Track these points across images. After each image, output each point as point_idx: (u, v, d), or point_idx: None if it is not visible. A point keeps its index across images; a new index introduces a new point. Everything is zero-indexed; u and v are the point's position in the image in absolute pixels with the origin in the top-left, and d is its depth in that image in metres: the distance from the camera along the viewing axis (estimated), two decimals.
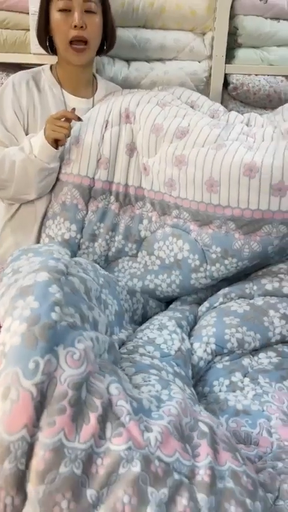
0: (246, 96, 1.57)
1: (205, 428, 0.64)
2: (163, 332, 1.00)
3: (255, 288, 1.20)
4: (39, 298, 0.63)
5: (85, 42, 1.22)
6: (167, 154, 1.20)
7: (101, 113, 1.28)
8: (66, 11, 1.19)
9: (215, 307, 1.18)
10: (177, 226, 1.24)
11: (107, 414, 0.57)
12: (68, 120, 1.17)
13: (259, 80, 1.55)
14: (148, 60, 1.53)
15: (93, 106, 1.34)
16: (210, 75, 1.56)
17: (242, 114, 1.42)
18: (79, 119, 1.20)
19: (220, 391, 0.94)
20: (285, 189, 1.08)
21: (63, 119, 1.16)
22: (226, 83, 1.57)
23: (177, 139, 1.20)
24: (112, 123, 1.27)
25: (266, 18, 1.52)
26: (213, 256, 1.18)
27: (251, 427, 0.82)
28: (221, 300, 1.18)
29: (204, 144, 1.17)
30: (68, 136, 1.19)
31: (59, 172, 1.29)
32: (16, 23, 1.45)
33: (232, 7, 1.49)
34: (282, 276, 1.22)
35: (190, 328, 1.12)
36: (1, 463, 0.50)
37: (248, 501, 0.56)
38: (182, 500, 0.53)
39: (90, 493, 0.52)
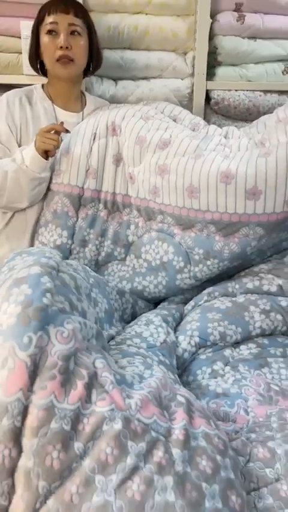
0: (227, 110, 1.70)
1: (182, 400, 0.73)
2: (150, 327, 1.10)
3: (237, 286, 1.29)
4: (32, 286, 0.73)
5: (71, 60, 1.34)
6: (150, 164, 1.32)
7: (89, 126, 1.40)
8: (53, 33, 1.32)
9: (200, 305, 1.27)
10: (162, 231, 1.34)
11: (93, 383, 0.66)
12: (57, 132, 1.28)
13: (239, 95, 1.68)
14: (134, 79, 1.66)
15: (82, 120, 1.46)
16: (192, 92, 1.68)
17: (223, 127, 1.56)
18: (67, 131, 1.31)
19: (203, 378, 1.03)
20: (259, 193, 1.18)
21: (52, 132, 1.27)
22: (208, 98, 1.70)
23: (159, 150, 1.32)
24: (99, 136, 1.39)
25: (243, 37, 1.66)
26: (196, 257, 1.29)
27: (229, 407, 0.91)
28: (205, 298, 1.28)
29: (185, 154, 1.29)
30: (58, 148, 1.30)
31: (50, 183, 1.40)
32: (9, 47, 1.58)
33: (211, 28, 1.63)
34: (262, 275, 1.32)
35: (176, 324, 1.21)
36: (0, 420, 0.59)
37: (218, 457, 0.65)
38: (158, 453, 0.62)
39: (77, 446, 0.61)
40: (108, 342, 1.03)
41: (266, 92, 1.70)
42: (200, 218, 1.26)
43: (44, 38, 1.34)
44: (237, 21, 1.63)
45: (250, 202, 1.20)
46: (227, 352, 1.11)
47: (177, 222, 1.31)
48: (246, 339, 1.17)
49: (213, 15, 1.62)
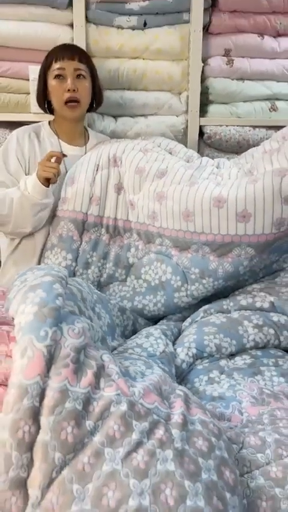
0: (219, 144, 1.87)
1: (180, 393, 0.83)
2: (149, 338, 1.20)
3: (231, 304, 1.40)
4: (46, 291, 0.84)
5: (77, 101, 1.51)
6: (149, 191, 1.46)
7: (92, 158, 1.56)
8: (60, 77, 1.50)
9: (197, 321, 1.37)
10: (160, 253, 1.47)
11: (101, 372, 0.76)
12: (58, 161, 1.42)
13: (229, 130, 1.86)
14: (133, 116, 1.85)
15: (85, 153, 1.61)
16: (187, 127, 1.87)
17: (215, 159, 1.73)
18: (64, 155, 1.45)
19: (200, 385, 1.12)
20: (249, 216, 1.32)
21: (53, 159, 1.41)
22: (201, 133, 1.88)
23: (157, 179, 1.47)
24: (102, 167, 1.54)
25: (232, 79, 1.86)
26: (193, 276, 1.40)
27: (225, 408, 1.00)
28: (201, 315, 1.39)
29: (180, 182, 1.43)
30: (58, 175, 1.43)
31: (56, 209, 1.53)
32: (18, 88, 1.77)
33: (203, 71, 1.84)
34: (255, 293, 1.43)
35: (174, 338, 1.31)
36: (21, 400, 0.69)
37: (213, 439, 0.74)
38: (160, 431, 0.71)
39: (88, 423, 0.70)
40: (111, 351, 1.12)
41: (254, 127, 1.88)
42: (196, 240, 1.39)
43: (52, 82, 1.51)
44: (227, 64, 1.83)
45: (241, 224, 1.33)
46: (223, 362, 1.21)
47: (175, 244, 1.43)
48: (241, 351, 1.27)
49: (204, 60, 1.83)
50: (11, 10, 1.67)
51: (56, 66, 1.51)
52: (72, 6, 1.70)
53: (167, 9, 1.76)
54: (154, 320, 1.49)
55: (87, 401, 0.72)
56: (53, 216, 1.55)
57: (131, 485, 0.64)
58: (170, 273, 1.43)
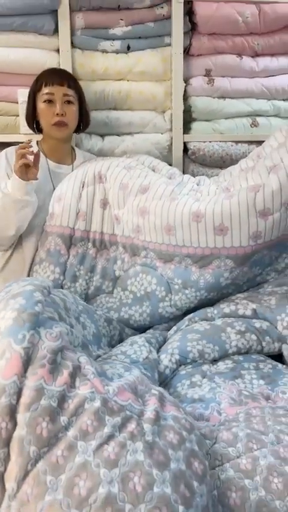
0: (203, 159, 1.95)
1: (156, 392, 0.88)
2: (134, 346, 1.25)
3: (215, 311, 1.45)
4: (26, 298, 0.90)
5: (65, 124, 1.60)
6: (133, 206, 1.53)
7: (78, 175, 1.63)
8: (50, 102, 1.59)
9: (182, 329, 1.42)
10: (145, 265, 1.53)
11: (76, 372, 0.81)
12: (36, 155, 1.45)
13: (213, 146, 1.94)
14: (119, 134, 1.93)
15: (72, 171, 1.69)
16: (171, 144, 1.95)
17: (199, 174, 1.84)
18: (30, 141, 1.46)
19: (182, 389, 1.16)
20: (226, 229, 1.38)
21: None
22: (186, 149, 1.96)
23: (140, 194, 1.54)
24: (88, 184, 1.61)
25: (213, 97, 1.95)
26: (176, 287, 1.46)
27: (204, 409, 1.04)
28: (186, 323, 1.44)
29: (161, 197, 1.50)
30: (36, 169, 1.44)
31: (44, 224, 1.60)
32: (7, 111, 1.87)
33: (185, 90, 1.93)
34: (238, 301, 1.49)
35: (159, 345, 1.36)
36: None
37: (184, 433, 0.78)
38: (132, 425, 0.76)
39: (63, 419, 0.75)
40: (95, 359, 1.17)
41: (237, 142, 1.96)
42: (178, 252, 1.45)
43: (42, 105, 1.60)
44: (208, 84, 1.93)
45: (219, 237, 1.40)
46: (205, 367, 1.26)
47: (159, 256, 1.49)
48: (224, 356, 1.32)
49: (186, 80, 1.92)
50: (1, 37, 1.77)
51: (45, 90, 1.60)
52: (58, 32, 1.80)
53: (149, 33, 1.87)
54: (141, 330, 1.53)
55: (62, 398, 0.77)
56: (41, 231, 1.61)
57: (101, 475, 0.68)
58: (154, 283, 1.49)
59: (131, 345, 1.25)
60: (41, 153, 1.69)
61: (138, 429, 0.75)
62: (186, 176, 1.71)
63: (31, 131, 1.76)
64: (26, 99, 1.76)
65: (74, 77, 1.71)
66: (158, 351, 1.32)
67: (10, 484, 0.70)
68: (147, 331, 1.50)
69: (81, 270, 1.57)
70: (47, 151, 1.70)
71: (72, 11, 1.79)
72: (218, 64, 1.92)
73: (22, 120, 1.81)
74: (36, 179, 1.48)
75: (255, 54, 1.95)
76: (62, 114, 1.59)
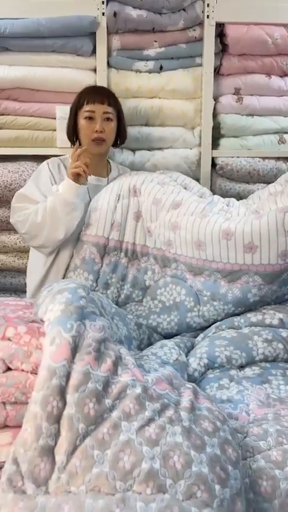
0: (230, 174, 2.04)
1: (190, 386, 0.95)
2: (164, 348, 1.33)
3: (242, 320, 1.52)
4: (71, 293, 0.99)
5: (104, 140, 1.72)
6: (165, 220, 1.61)
7: (114, 188, 1.73)
8: (90, 119, 1.72)
9: (209, 336, 1.49)
10: (175, 276, 1.61)
11: (118, 362, 0.89)
12: (86, 163, 1.60)
13: (240, 161, 2.03)
14: (150, 149, 2.05)
15: (107, 183, 1.80)
16: (200, 159, 2.04)
17: (229, 188, 1.93)
18: (81, 147, 1.63)
19: (211, 391, 1.22)
20: (255, 248, 1.46)
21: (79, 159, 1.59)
22: (214, 164, 2.06)
23: (172, 210, 1.62)
24: (123, 196, 1.71)
25: (242, 115, 2.06)
26: (205, 298, 1.54)
27: (233, 409, 1.10)
28: (213, 330, 1.51)
29: (193, 213, 1.59)
30: (88, 174, 1.59)
31: (80, 234, 1.69)
32: (46, 126, 2.00)
33: (215, 108, 2.04)
34: (265, 311, 1.55)
35: (188, 350, 1.42)
36: (50, 380, 0.82)
37: (218, 423, 0.85)
38: (170, 411, 0.83)
39: (107, 401, 0.83)
40: None
41: (264, 158, 2.05)
42: (207, 267, 1.53)
43: (82, 122, 1.73)
44: (237, 102, 2.04)
45: (248, 255, 1.47)
46: (233, 372, 1.32)
47: (189, 269, 1.57)
48: (251, 363, 1.37)
49: (216, 98, 2.04)
50: (41, 58, 1.93)
51: (86, 108, 1.73)
52: (95, 53, 1.94)
53: (181, 54, 1.99)
54: (168, 338, 1.60)
55: (107, 383, 0.85)
56: (77, 240, 1.71)
57: (144, 452, 0.76)
58: (184, 294, 1.57)
59: (161, 347, 1.33)
60: None
61: (176, 415, 0.82)
62: (216, 196, 1.79)
63: (67, 145, 1.88)
64: (63, 115, 1.90)
65: (114, 95, 1.83)
66: (186, 355, 1.39)
67: (60, 457, 0.77)
68: (176, 337, 1.57)
69: (113, 278, 1.66)
70: None
71: (109, 33, 1.94)
72: (247, 83, 2.02)
73: (59, 135, 1.95)
74: (86, 184, 1.60)
75: (284, 74, 2.06)
76: (101, 131, 1.71)
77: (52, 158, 1.81)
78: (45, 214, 1.59)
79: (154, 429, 0.79)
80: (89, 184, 1.77)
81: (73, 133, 1.80)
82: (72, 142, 1.83)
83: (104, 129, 1.72)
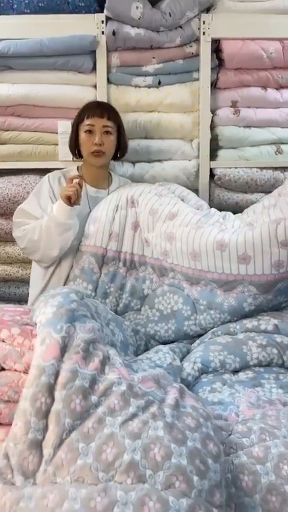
0: (229, 184, 2.10)
1: (177, 385, 0.99)
2: (158, 353, 1.37)
3: (238, 327, 1.56)
4: (63, 297, 1.06)
5: (103, 152, 1.79)
6: (161, 231, 1.67)
7: (113, 200, 1.80)
8: (90, 132, 1.80)
9: (205, 341, 1.53)
10: (173, 285, 1.66)
11: (106, 361, 0.95)
12: (80, 183, 1.66)
13: (238, 172, 2.09)
14: (149, 161, 2.12)
15: (107, 195, 1.86)
16: (198, 170, 2.11)
17: (227, 198, 2.01)
18: (80, 177, 1.69)
19: (203, 394, 1.26)
20: (249, 258, 1.51)
21: (74, 181, 1.65)
22: (212, 175, 2.12)
23: (168, 220, 1.68)
24: (121, 207, 1.77)
25: (239, 126, 2.12)
26: (201, 307, 1.58)
27: (223, 411, 1.13)
28: (209, 336, 1.55)
29: (188, 224, 1.64)
30: (80, 196, 1.65)
31: (80, 244, 1.75)
32: (48, 140, 2.09)
33: (212, 120, 2.11)
34: (260, 317, 1.58)
35: (183, 356, 1.46)
36: (39, 377, 0.88)
37: (201, 419, 0.89)
38: (154, 408, 0.88)
39: (93, 398, 0.88)
40: None
41: (261, 168, 2.10)
42: (204, 276, 1.58)
43: (83, 135, 1.82)
44: (234, 114, 2.10)
45: (242, 265, 1.52)
46: (226, 376, 1.36)
47: (186, 278, 1.62)
48: (244, 367, 1.41)
49: (213, 111, 2.10)
50: (44, 76, 2.02)
51: (87, 122, 1.81)
52: (95, 70, 2.03)
53: (179, 69, 2.07)
54: (165, 344, 1.64)
55: (94, 381, 0.90)
56: (77, 250, 1.77)
57: (126, 444, 0.80)
58: (181, 303, 1.62)
59: (156, 352, 1.37)
60: None
61: (160, 411, 0.87)
62: (213, 209, 1.84)
63: (69, 159, 1.96)
64: (65, 130, 1.99)
65: (115, 109, 1.90)
66: (181, 360, 1.42)
67: (47, 450, 0.83)
68: (172, 343, 1.61)
69: (112, 287, 1.71)
70: (86, 176, 1.88)
71: (109, 51, 2.03)
72: (243, 96, 2.09)
73: (61, 149, 2.03)
74: (79, 204, 1.67)
75: (279, 87, 2.12)
76: (100, 144, 1.78)
77: (54, 172, 1.89)
78: (41, 233, 1.67)
79: (137, 424, 0.83)
80: (89, 195, 1.84)
81: (75, 147, 1.88)
82: (74, 155, 1.91)
83: (103, 142, 1.79)
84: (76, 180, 1.67)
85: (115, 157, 1.93)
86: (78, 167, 1.93)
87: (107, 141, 1.81)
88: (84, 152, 1.83)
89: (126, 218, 1.76)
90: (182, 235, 1.60)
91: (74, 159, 1.93)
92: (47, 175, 1.87)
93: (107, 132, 1.81)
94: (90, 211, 1.82)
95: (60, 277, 1.77)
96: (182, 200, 1.85)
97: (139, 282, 1.73)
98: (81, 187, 1.67)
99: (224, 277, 1.54)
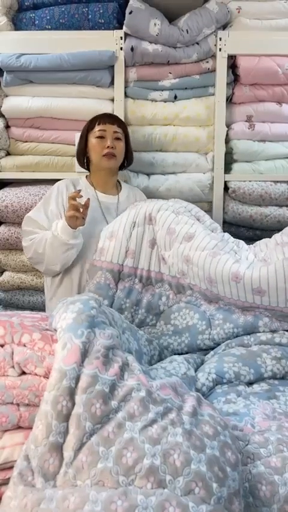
0: (243, 197, 2.12)
1: (194, 394, 1.00)
2: (173, 363, 1.38)
3: (252, 339, 1.56)
4: (83, 304, 1.07)
5: (114, 156, 1.84)
6: (178, 252, 1.68)
7: (130, 215, 1.80)
8: (101, 138, 1.84)
9: (219, 353, 1.53)
10: (190, 302, 1.67)
11: (125, 368, 0.96)
12: (85, 206, 1.67)
13: (252, 185, 2.11)
14: (164, 174, 2.15)
15: (118, 201, 1.90)
16: (213, 183, 2.13)
17: (241, 211, 2.03)
18: (79, 192, 1.66)
19: (218, 405, 1.26)
20: (263, 292, 1.52)
21: (75, 202, 1.64)
22: (226, 188, 2.14)
23: (185, 242, 1.68)
24: (138, 224, 1.78)
25: (254, 141, 2.15)
26: (216, 322, 1.60)
27: (238, 422, 1.14)
28: (223, 348, 1.56)
29: (205, 249, 1.63)
30: (84, 218, 1.66)
31: (95, 259, 1.76)
32: (65, 152, 2.14)
33: (227, 134, 2.14)
34: (274, 329, 1.58)
35: (197, 366, 1.47)
36: (61, 381, 0.89)
37: (219, 428, 0.90)
38: (172, 414, 0.89)
39: (113, 403, 0.89)
40: None
41: (276, 182, 2.12)
42: (221, 298, 1.60)
43: (93, 141, 1.86)
44: (249, 128, 2.13)
45: (257, 297, 1.54)
46: (241, 387, 1.36)
47: (204, 297, 1.64)
48: (259, 380, 1.41)
49: (228, 125, 2.14)
50: (63, 89, 2.08)
51: (98, 128, 1.86)
52: (113, 84, 2.08)
53: (195, 84, 2.12)
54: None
55: (113, 386, 0.91)
56: (89, 256, 1.77)
57: (146, 449, 0.81)
58: (197, 318, 1.63)
59: (170, 362, 1.38)
60: (90, 186, 1.91)
61: (178, 418, 0.88)
62: (227, 234, 1.83)
63: (85, 170, 2.00)
64: (79, 136, 2.03)
65: (122, 120, 1.97)
66: (195, 371, 1.43)
67: (68, 453, 0.84)
68: (186, 354, 1.62)
69: (127, 302, 1.71)
70: (95, 184, 1.92)
71: (126, 66, 2.08)
72: (258, 111, 2.13)
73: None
74: (83, 225, 1.68)
75: None
76: (112, 147, 1.83)
77: (63, 180, 1.93)
78: (45, 248, 1.70)
79: (156, 429, 0.84)
80: (101, 201, 1.87)
81: (83, 156, 1.93)
82: (82, 165, 1.96)
83: (115, 146, 1.84)
84: (80, 201, 1.66)
85: (122, 167, 1.97)
86: (87, 176, 1.96)
87: (117, 146, 1.86)
88: (94, 157, 1.86)
89: (144, 235, 1.76)
90: (199, 261, 1.60)
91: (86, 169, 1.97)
92: (56, 184, 1.91)
93: (118, 138, 1.86)
94: (103, 214, 1.85)
95: (72, 285, 1.79)
96: (198, 219, 1.84)
97: (155, 298, 1.72)
98: (87, 207, 1.68)
99: (240, 303, 1.57)
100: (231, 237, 1.82)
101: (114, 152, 1.84)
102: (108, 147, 1.82)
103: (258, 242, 1.82)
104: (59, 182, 1.91)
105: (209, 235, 1.69)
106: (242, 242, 1.81)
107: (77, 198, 1.65)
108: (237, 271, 1.53)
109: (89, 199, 1.71)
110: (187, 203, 1.91)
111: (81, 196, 1.68)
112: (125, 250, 1.73)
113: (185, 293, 1.67)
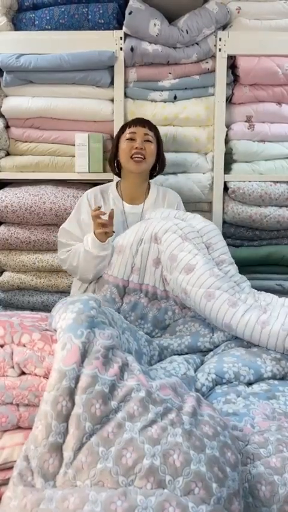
0: (242, 197, 2.12)
1: (193, 394, 1.00)
2: (173, 363, 1.38)
3: None
4: (83, 304, 1.07)
5: (143, 158, 1.83)
6: (177, 281, 1.64)
7: (139, 231, 1.75)
8: (131, 140, 1.84)
9: (218, 353, 1.53)
10: (195, 316, 1.66)
11: (125, 368, 0.96)
12: (110, 217, 1.68)
13: (252, 185, 2.11)
14: (164, 174, 2.14)
15: (142, 210, 1.89)
16: (213, 183, 2.13)
17: (241, 211, 2.00)
18: (99, 207, 1.68)
19: (217, 405, 1.26)
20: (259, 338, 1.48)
21: (104, 216, 1.67)
22: (226, 188, 2.14)
23: (184, 273, 1.63)
24: (145, 241, 1.74)
25: (253, 141, 2.15)
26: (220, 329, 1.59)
27: (238, 422, 1.13)
28: (222, 348, 1.55)
29: (201, 286, 1.58)
30: (111, 230, 1.67)
31: (105, 272, 1.75)
32: (65, 152, 2.14)
33: (227, 135, 2.14)
34: None
35: (196, 366, 1.47)
36: (60, 382, 0.89)
37: (218, 428, 0.90)
38: (172, 415, 0.89)
39: (113, 403, 0.89)
40: None
41: (275, 182, 2.12)
42: None
43: (123, 144, 1.85)
44: (248, 129, 2.13)
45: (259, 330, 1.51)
46: (240, 387, 1.35)
47: None
48: (259, 380, 1.41)
49: (228, 125, 2.14)
50: (63, 90, 2.08)
51: (128, 131, 1.86)
52: (113, 85, 2.08)
53: (195, 85, 2.12)
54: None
55: (113, 387, 0.91)
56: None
57: (145, 449, 0.81)
58: (201, 326, 1.63)
59: (170, 362, 1.38)
60: (118, 197, 1.91)
61: (178, 419, 0.88)
62: (233, 269, 1.76)
63: (85, 170, 2.00)
64: (82, 142, 2.06)
65: (154, 124, 1.93)
66: (195, 371, 1.43)
67: (67, 453, 0.84)
68: (186, 354, 1.62)
69: (132, 316, 1.70)
70: (123, 192, 1.92)
71: (126, 66, 2.08)
72: (258, 111, 2.13)
73: (77, 161, 2.08)
74: (112, 235, 1.71)
75: None
76: (142, 148, 1.82)
77: (92, 189, 1.93)
78: (79, 261, 1.73)
79: (156, 430, 0.84)
80: (127, 213, 1.89)
81: (114, 159, 1.92)
82: (113, 171, 1.96)
83: (144, 147, 1.83)
84: (105, 217, 1.67)
85: (153, 170, 1.95)
86: (117, 183, 1.95)
87: (148, 148, 1.84)
88: (123, 159, 1.85)
89: (149, 253, 1.72)
90: (195, 298, 1.57)
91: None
92: (85, 193, 1.91)
93: (148, 141, 1.85)
94: (127, 226, 1.85)
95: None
96: (208, 247, 1.77)
97: (161, 313, 1.71)
98: (112, 217, 1.69)
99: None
100: (237, 274, 1.75)
101: (143, 153, 1.82)
102: (137, 147, 1.81)
103: (258, 293, 1.75)
104: (88, 191, 1.91)
105: (210, 270, 1.62)
106: (244, 285, 1.74)
107: (100, 214, 1.67)
108: (230, 323, 1.50)
109: (112, 209, 1.72)
110: (204, 225, 1.79)
111: (100, 207, 1.69)
112: (130, 266, 1.72)
113: (190, 309, 1.67)
